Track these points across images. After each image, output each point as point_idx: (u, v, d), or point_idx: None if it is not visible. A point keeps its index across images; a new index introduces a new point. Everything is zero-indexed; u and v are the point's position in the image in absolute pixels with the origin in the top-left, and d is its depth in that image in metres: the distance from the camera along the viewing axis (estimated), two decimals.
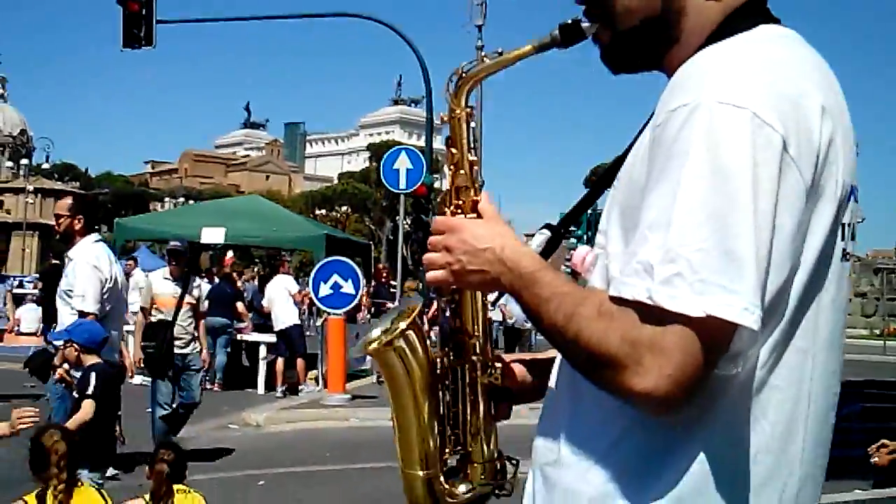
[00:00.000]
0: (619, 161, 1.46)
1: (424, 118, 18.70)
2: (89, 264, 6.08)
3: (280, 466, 8.74)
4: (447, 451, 1.61)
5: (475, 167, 1.55)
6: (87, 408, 5.52)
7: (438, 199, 1.58)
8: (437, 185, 18.36)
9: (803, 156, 1.21)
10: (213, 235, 14.13)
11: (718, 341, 1.17)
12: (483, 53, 1.52)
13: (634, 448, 1.30)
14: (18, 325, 20.43)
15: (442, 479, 1.61)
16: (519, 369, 1.68)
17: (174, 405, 8.61)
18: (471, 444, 1.60)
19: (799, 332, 1.29)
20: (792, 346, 1.29)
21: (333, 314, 12.46)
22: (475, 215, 1.49)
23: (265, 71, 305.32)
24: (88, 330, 5.80)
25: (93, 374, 5.58)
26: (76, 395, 5.65)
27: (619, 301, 1.21)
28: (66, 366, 5.84)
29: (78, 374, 5.70)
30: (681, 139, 1.20)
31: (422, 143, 14.16)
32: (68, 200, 6.30)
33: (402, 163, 14.22)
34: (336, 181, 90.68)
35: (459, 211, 1.51)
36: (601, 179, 1.57)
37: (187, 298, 8.90)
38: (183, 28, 15.63)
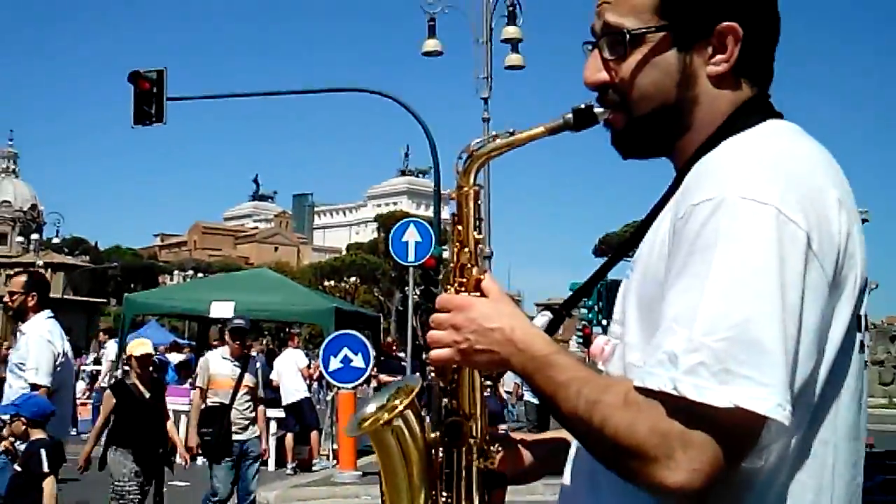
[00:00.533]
0: (628, 244, 1.48)
1: (432, 189, 18.79)
2: (43, 338, 6.13)
3: None
4: None
5: (480, 245, 1.54)
6: (50, 486, 5.51)
7: (441, 277, 1.59)
8: (445, 255, 18.39)
9: (825, 251, 1.23)
10: (222, 309, 14.11)
11: (748, 434, 1.16)
12: (494, 133, 1.53)
13: None
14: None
15: None
16: (518, 451, 1.66)
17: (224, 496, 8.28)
18: None
19: (821, 424, 1.28)
20: (814, 438, 1.27)
21: (343, 388, 12.39)
22: (479, 294, 1.48)
23: (273, 143, 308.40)
24: (37, 404, 5.80)
25: (42, 451, 5.55)
26: (20, 469, 5.63)
27: (644, 391, 1.20)
28: (11, 438, 5.84)
29: (22, 447, 5.69)
30: (705, 234, 1.21)
31: (429, 213, 14.20)
32: (22, 278, 6.44)
33: (411, 235, 14.25)
34: (344, 252, 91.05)
35: (463, 289, 1.50)
36: (609, 261, 1.58)
37: (246, 380, 8.42)
38: (193, 104, 15.84)
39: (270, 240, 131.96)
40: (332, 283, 75.01)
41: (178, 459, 8.11)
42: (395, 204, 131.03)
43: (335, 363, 12.16)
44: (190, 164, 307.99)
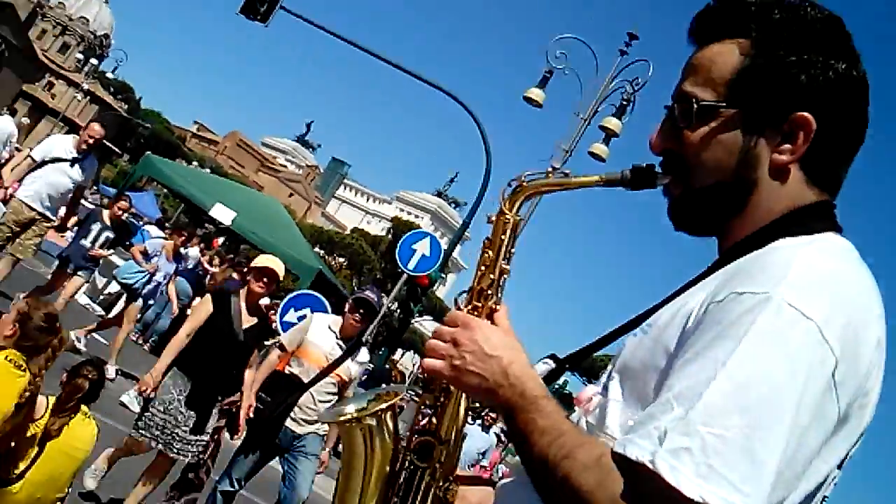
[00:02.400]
0: (647, 313, 1.45)
1: (456, 221, 18.78)
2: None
3: None
4: None
5: (504, 276, 1.51)
6: None
7: (457, 296, 1.53)
8: (437, 286, 18.31)
9: (847, 385, 1.20)
10: (222, 214, 14.16)
11: None
12: (549, 169, 1.52)
13: None
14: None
15: None
16: (478, 494, 1.63)
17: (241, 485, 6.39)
18: None
19: None
20: None
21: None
22: (489, 322, 1.45)
23: (341, 101, 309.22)
24: None
25: None
26: None
27: (620, 458, 1.17)
28: None
29: None
30: (741, 324, 1.17)
31: (444, 242, 14.19)
32: None
33: (422, 247, 14.26)
34: (348, 232, 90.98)
35: (476, 312, 1.47)
36: (622, 327, 1.54)
37: (344, 370, 6.47)
38: (296, 23, 15.79)
39: (291, 184, 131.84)
40: (322, 252, 74.86)
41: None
42: (416, 217, 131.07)
43: (292, 316, 12.12)
44: (262, 77, 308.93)
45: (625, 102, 14.19)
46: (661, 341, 1.31)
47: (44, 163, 8.90)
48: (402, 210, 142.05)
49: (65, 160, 9.00)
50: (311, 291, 12.81)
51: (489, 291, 1.49)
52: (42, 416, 4.59)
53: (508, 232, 1.51)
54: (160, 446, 5.88)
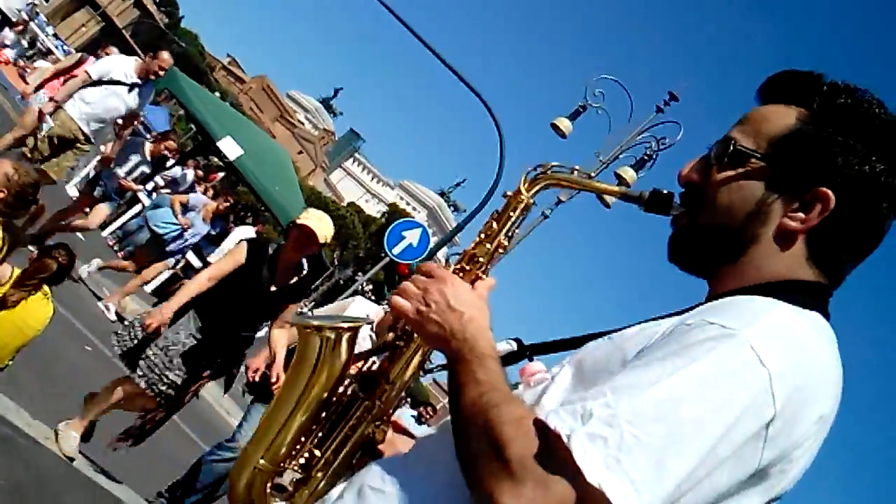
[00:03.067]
0: (619, 329, 1.48)
1: (451, 224, 18.76)
2: None
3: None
4: (293, 463, 1.56)
5: (500, 251, 1.55)
6: None
7: (449, 256, 1.59)
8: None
9: (776, 442, 1.24)
10: (230, 148, 14.07)
11: None
12: (575, 167, 1.54)
13: None
14: (26, 71, 20.20)
15: (269, 482, 1.55)
16: (407, 445, 1.64)
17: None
18: (314, 473, 1.55)
19: None
20: None
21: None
22: (470, 286, 1.50)
23: (376, 78, 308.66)
24: None
25: None
26: None
27: (541, 425, 1.21)
28: None
29: None
30: (700, 348, 1.22)
31: (434, 241, 14.21)
32: None
33: (412, 236, 14.30)
34: (344, 204, 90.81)
35: (461, 275, 1.51)
36: (592, 335, 1.56)
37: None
38: None
39: (303, 142, 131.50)
40: None
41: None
42: (414, 209, 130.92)
43: None
44: (306, 31, 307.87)
45: (646, 157, 14.21)
46: (621, 348, 1.35)
47: (100, 82, 8.38)
48: (402, 198, 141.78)
49: (123, 84, 8.45)
50: None
51: (481, 259, 1.53)
52: (3, 285, 4.60)
53: (518, 211, 1.55)
54: (142, 384, 5.41)
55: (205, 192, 18.75)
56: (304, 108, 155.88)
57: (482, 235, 1.56)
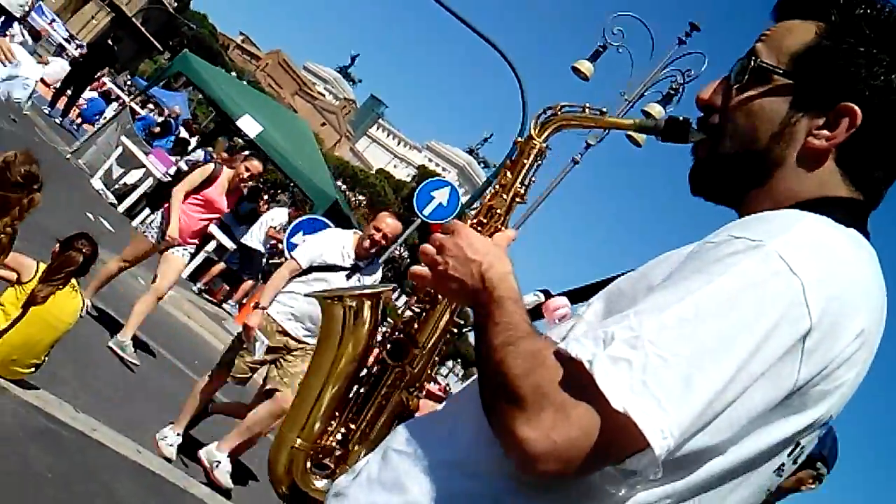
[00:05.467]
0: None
1: (481, 180, 18.66)
2: None
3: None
4: (331, 438, 1.54)
5: (516, 200, 1.50)
6: None
7: (466, 210, 1.56)
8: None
9: (814, 357, 1.17)
10: (248, 126, 14.06)
11: (619, 443, 1.11)
12: (586, 104, 1.49)
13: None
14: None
15: (309, 461, 1.53)
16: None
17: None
18: (353, 447, 1.53)
19: (695, 502, 1.23)
20: None
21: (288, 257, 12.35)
22: (488, 237, 1.45)
23: (392, 41, 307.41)
24: None
25: None
26: None
27: (560, 355, 1.16)
28: None
29: None
30: (724, 263, 1.16)
31: (465, 199, 14.05)
32: None
33: (441, 196, 14.16)
34: (372, 171, 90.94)
35: (479, 229, 1.47)
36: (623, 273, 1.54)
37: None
38: None
39: (325, 113, 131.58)
40: (343, 186, 74.91)
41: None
42: (444, 170, 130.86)
43: (299, 238, 12.12)
44: (315, 1, 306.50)
45: (672, 92, 14.00)
46: (646, 276, 1.29)
47: (312, 269, 6.06)
48: (430, 160, 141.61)
49: (342, 269, 6.02)
50: (322, 218, 12.81)
51: (499, 211, 1.48)
52: (30, 281, 4.57)
53: (532, 157, 1.50)
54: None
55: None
56: (323, 79, 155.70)
57: (497, 187, 1.51)
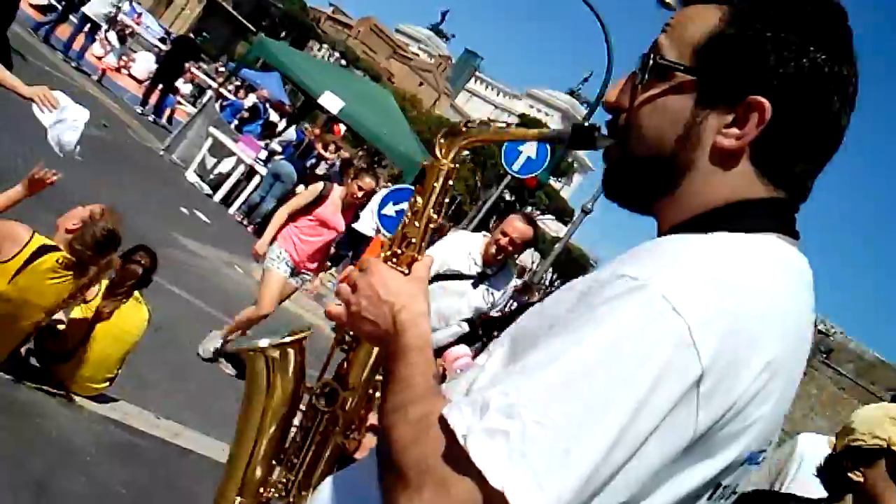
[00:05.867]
0: None
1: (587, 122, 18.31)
2: None
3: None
4: (272, 490, 1.52)
5: (431, 226, 1.44)
6: None
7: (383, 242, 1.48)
8: (562, 187, 18.05)
9: (713, 402, 1.05)
10: (331, 102, 14.14)
11: None
12: (491, 118, 1.44)
13: None
14: (128, 67, 20.84)
15: None
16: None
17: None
18: (295, 496, 1.50)
19: None
20: None
21: (382, 235, 12.37)
22: (406, 270, 1.39)
23: None
24: None
25: None
26: None
27: (443, 420, 1.08)
28: None
29: None
30: (606, 308, 1.06)
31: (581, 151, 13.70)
32: None
33: (529, 149, 13.96)
34: None
35: (395, 260, 1.41)
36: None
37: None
38: None
39: (422, 73, 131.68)
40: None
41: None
42: (546, 116, 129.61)
43: (390, 210, 12.14)
44: None
45: None
46: (545, 314, 1.21)
47: (438, 277, 5.25)
48: (531, 107, 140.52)
49: (467, 277, 5.14)
50: (411, 187, 12.78)
51: (413, 240, 1.43)
52: (94, 299, 4.66)
53: (441, 180, 1.43)
54: None
55: (325, 148, 18.96)
56: (416, 39, 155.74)
57: (409, 214, 1.44)
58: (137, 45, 25.22)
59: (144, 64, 21.25)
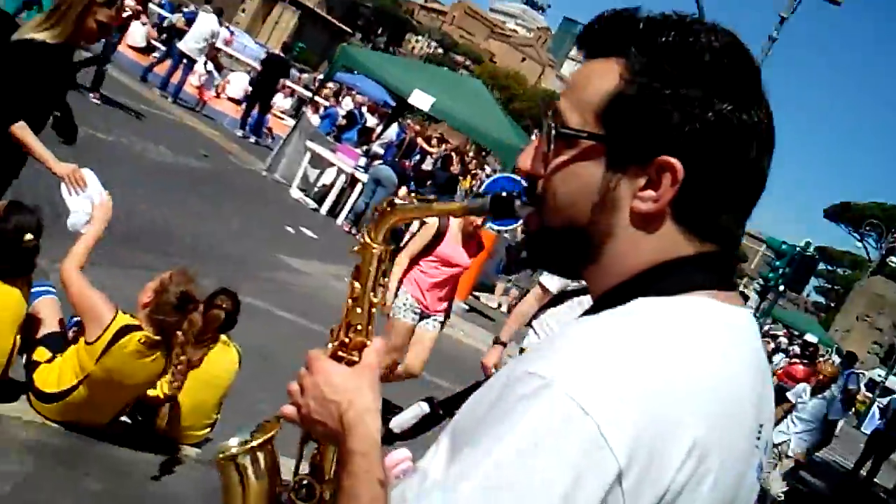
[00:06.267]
0: None
1: None
2: None
3: None
4: None
5: (374, 309, 1.40)
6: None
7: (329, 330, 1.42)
8: None
9: (643, 494, 1.00)
10: (421, 99, 14.16)
11: None
12: (414, 194, 1.39)
13: None
14: (224, 90, 21.38)
15: None
16: None
17: None
18: None
19: None
20: None
21: (491, 227, 12.27)
22: (357, 358, 1.35)
23: None
24: None
25: None
26: None
27: None
28: None
29: None
30: (515, 412, 1.02)
31: None
32: None
33: None
34: None
35: (343, 348, 1.37)
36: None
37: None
38: None
39: (522, 48, 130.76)
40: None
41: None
42: None
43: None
44: None
45: None
46: (475, 410, 1.15)
47: (566, 295, 5.48)
48: None
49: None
50: (508, 175, 12.67)
51: (359, 326, 1.40)
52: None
53: (375, 262, 1.41)
54: None
55: (428, 143, 19.03)
56: (511, 15, 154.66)
57: (350, 301, 1.40)
58: (237, 64, 25.88)
59: (239, 84, 21.78)
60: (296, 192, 14.62)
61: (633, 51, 1.16)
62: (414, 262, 6.72)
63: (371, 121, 21.26)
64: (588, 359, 1.04)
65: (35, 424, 4.31)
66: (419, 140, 19.33)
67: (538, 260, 1.32)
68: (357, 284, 1.41)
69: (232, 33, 27.61)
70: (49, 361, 4.39)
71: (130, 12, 13.52)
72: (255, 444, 1.48)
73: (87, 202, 4.57)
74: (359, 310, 1.41)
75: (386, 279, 1.43)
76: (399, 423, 1.64)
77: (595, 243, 1.19)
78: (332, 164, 14.89)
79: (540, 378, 1.02)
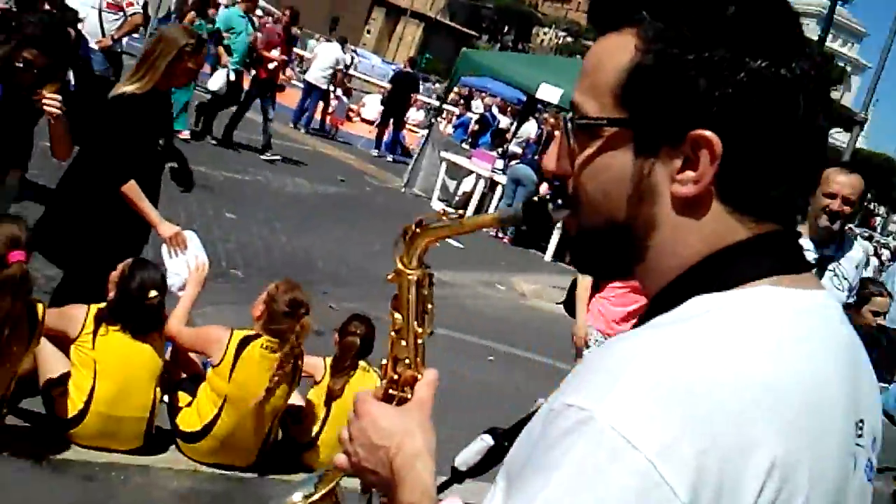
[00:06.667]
0: None
1: (852, 21, 16.84)
2: None
3: (512, 345, 8.54)
4: None
5: (420, 340, 1.34)
6: None
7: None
8: (843, 93, 16.94)
9: None
10: (549, 93, 13.97)
11: None
12: (443, 210, 1.35)
13: None
14: (359, 113, 21.74)
15: None
16: None
17: None
18: None
19: None
20: None
21: None
22: (409, 395, 1.31)
23: None
24: None
25: None
26: None
27: None
28: None
29: None
30: (558, 449, 0.91)
31: (837, 44, 12.43)
32: None
33: None
34: None
35: (394, 386, 1.32)
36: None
37: None
38: None
39: None
40: None
41: None
42: (805, 26, 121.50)
43: None
44: None
45: None
46: (526, 442, 1.03)
47: None
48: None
49: None
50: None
51: (407, 359, 1.35)
52: (322, 379, 4.74)
53: (413, 289, 1.34)
54: None
55: None
56: None
57: (393, 334, 1.35)
58: (368, 86, 26.36)
59: (373, 105, 22.14)
60: (437, 204, 14.65)
61: (646, 16, 1.03)
62: (597, 289, 5.66)
63: (504, 121, 21.16)
64: (632, 382, 0.92)
65: (186, 473, 4.40)
66: (556, 133, 19.07)
67: (584, 265, 1.24)
68: (398, 315, 1.34)
69: (354, 57, 28.13)
70: (189, 405, 4.51)
71: (277, 63, 13.44)
72: (316, 497, 1.46)
73: (183, 265, 4.71)
74: (404, 342, 1.34)
75: (431, 306, 1.34)
76: (464, 459, 1.55)
77: (639, 239, 1.08)
78: (469, 171, 14.89)
79: (579, 409, 0.92)
